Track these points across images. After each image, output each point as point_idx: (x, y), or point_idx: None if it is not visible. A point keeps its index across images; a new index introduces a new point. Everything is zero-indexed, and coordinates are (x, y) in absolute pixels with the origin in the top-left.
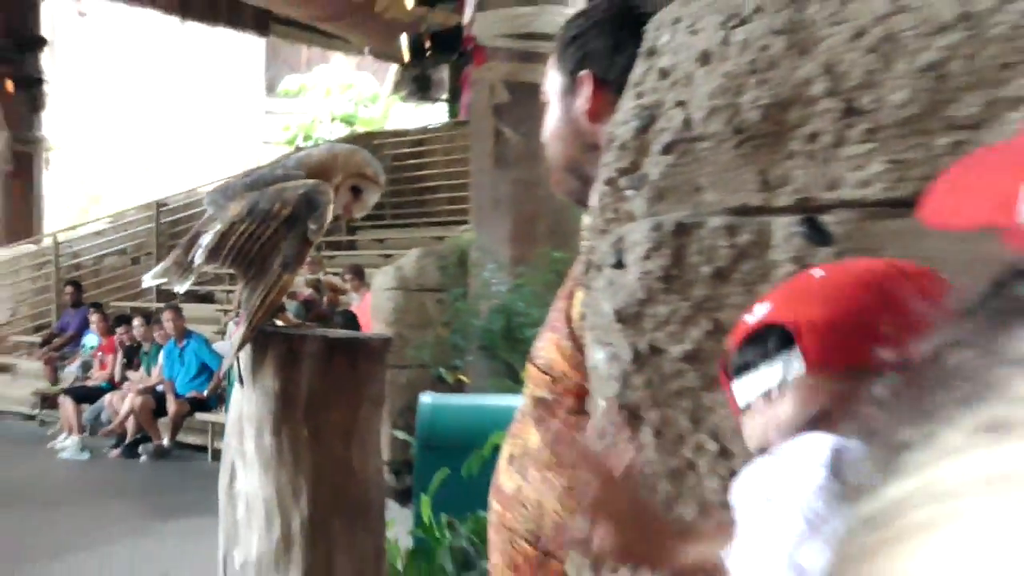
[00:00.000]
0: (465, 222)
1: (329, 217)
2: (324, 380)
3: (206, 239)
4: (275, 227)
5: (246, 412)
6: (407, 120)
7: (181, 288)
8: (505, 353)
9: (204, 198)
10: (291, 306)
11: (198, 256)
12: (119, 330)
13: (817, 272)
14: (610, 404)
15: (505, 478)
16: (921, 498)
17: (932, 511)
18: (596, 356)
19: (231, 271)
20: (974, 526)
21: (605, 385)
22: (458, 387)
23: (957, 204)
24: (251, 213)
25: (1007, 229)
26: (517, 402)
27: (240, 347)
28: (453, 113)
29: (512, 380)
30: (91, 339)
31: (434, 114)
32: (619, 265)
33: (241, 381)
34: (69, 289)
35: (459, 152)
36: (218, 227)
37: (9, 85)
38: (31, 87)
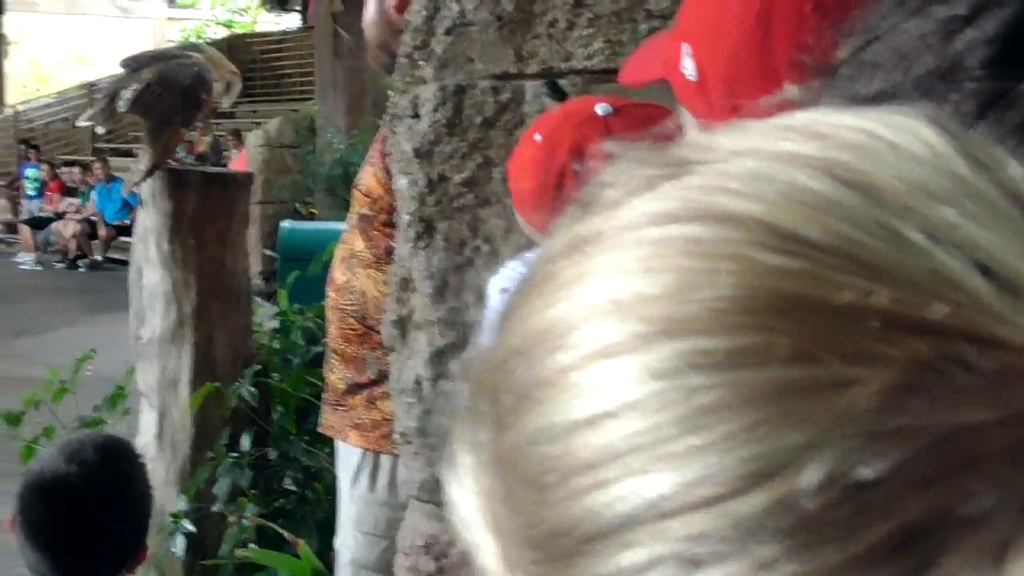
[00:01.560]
0: (312, 99)
1: (214, 92)
2: (205, 202)
3: (126, 94)
4: (177, 92)
5: (149, 226)
6: (271, 25)
7: (104, 128)
8: (344, 193)
9: (120, 62)
10: (187, 158)
11: (122, 105)
12: (63, 170)
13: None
14: (411, 217)
15: (338, 273)
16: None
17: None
18: (400, 183)
19: (137, 122)
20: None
21: (407, 204)
22: (310, 217)
23: (641, 66)
24: (161, 78)
25: (675, 80)
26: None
27: (144, 178)
28: (304, 20)
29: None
30: (31, 171)
31: (289, 21)
32: (415, 116)
33: (141, 203)
34: (25, 148)
35: (308, 48)
36: (135, 86)
37: None
38: None
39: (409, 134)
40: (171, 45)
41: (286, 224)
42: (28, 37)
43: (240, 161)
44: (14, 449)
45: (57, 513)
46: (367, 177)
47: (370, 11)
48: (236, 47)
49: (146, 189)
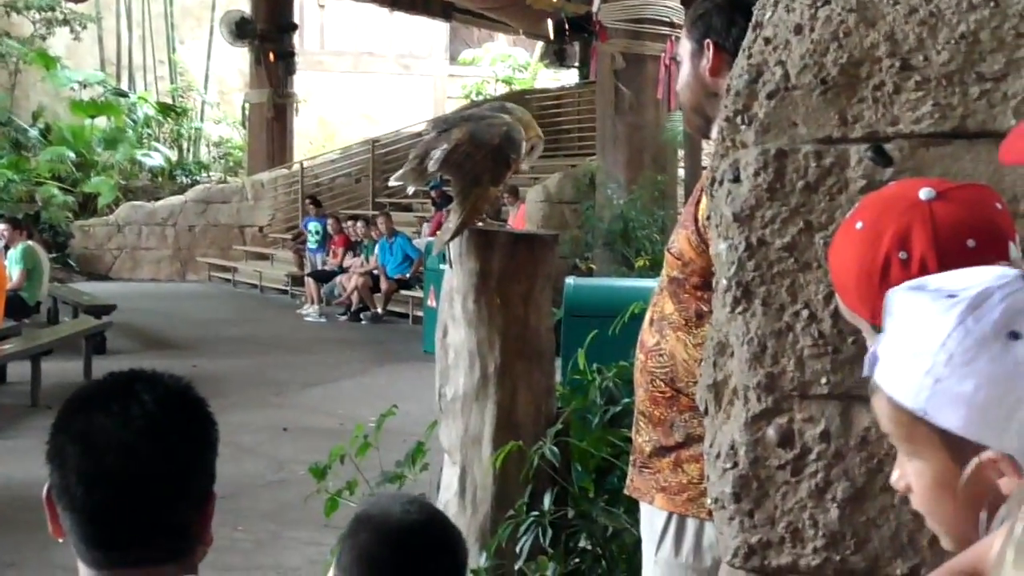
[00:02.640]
0: (592, 154)
1: (523, 151)
2: (511, 262)
3: (436, 153)
4: (485, 152)
5: (455, 285)
6: (550, 81)
7: (413, 188)
8: (622, 248)
9: (426, 125)
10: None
11: (432, 164)
12: (347, 224)
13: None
14: (730, 282)
15: (647, 335)
16: None
17: None
18: (719, 247)
19: (426, 189)
20: None
21: (726, 268)
22: (588, 273)
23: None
24: (472, 138)
25: None
26: (633, 283)
27: (453, 237)
28: (583, 76)
29: (627, 268)
30: (313, 225)
31: (569, 77)
32: (736, 180)
33: (450, 264)
34: (308, 202)
35: (587, 104)
36: (445, 145)
37: (272, 56)
38: (286, 58)
39: (729, 198)
40: (481, 106)
41: (571, 281)
42: (316, 95)
43: (519, 217)
44: (318, 500)
45: (399, 556)
46: (679, 240)
47: (684, 74)
48: (515, 102)
49: (453, 248)
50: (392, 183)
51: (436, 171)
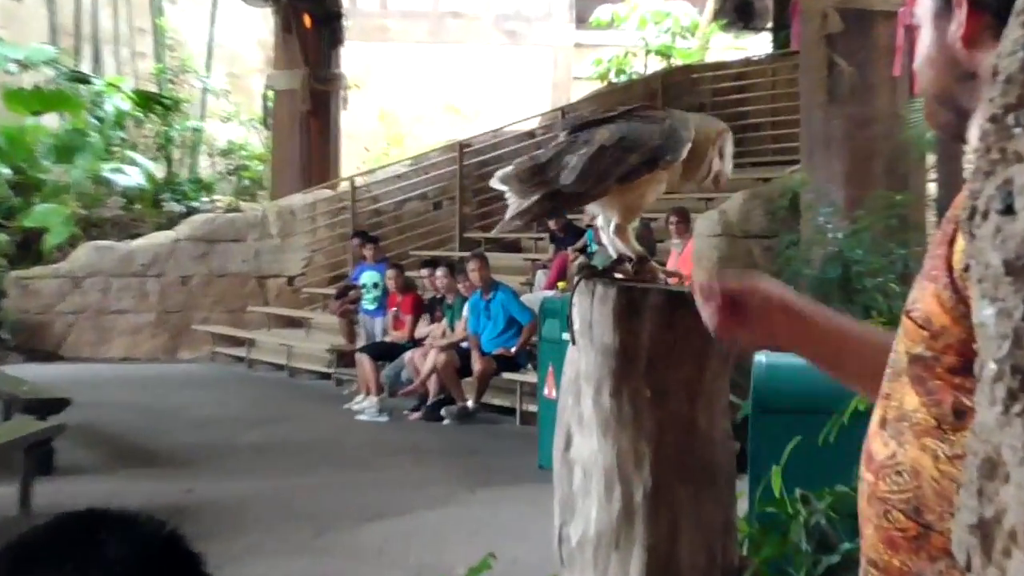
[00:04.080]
0: (794, 162)
1: (683, 155)
2: (667, 335)
3: (572, 159)
4: (642, 155)
5: (583, 370)
6: (727, 52)
7: (516, 208)
8: (842, 305)
9: (557, 124)
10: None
11: (565, 176)
12: (423, 272)
13: None
14: (1000, 367)
15: (877, 444)
16: None
17: None
18: (983, 312)
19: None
20: None
21: (994, 345)
22: None
23: None
24: (622, 140)
25: None
26: None
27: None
28: (779, 44)
29: None
30: (368, 275)
31: (757, 45)
32: (1008, 211)
33: (573, 339)
34: (355, 241)
35: (785, 86)
36: (584, 150)
37: (307, 20)
38: (329, 22)
39: (998, 238)
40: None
41: (762, 359)
42: (376, 78)
43: (684, 257)
44: None
45: None
46: (925, 298)
47: (925, 43)
48: (675, 85)
49: (577, 316)
50: (494, 184)
51: (572, 185)
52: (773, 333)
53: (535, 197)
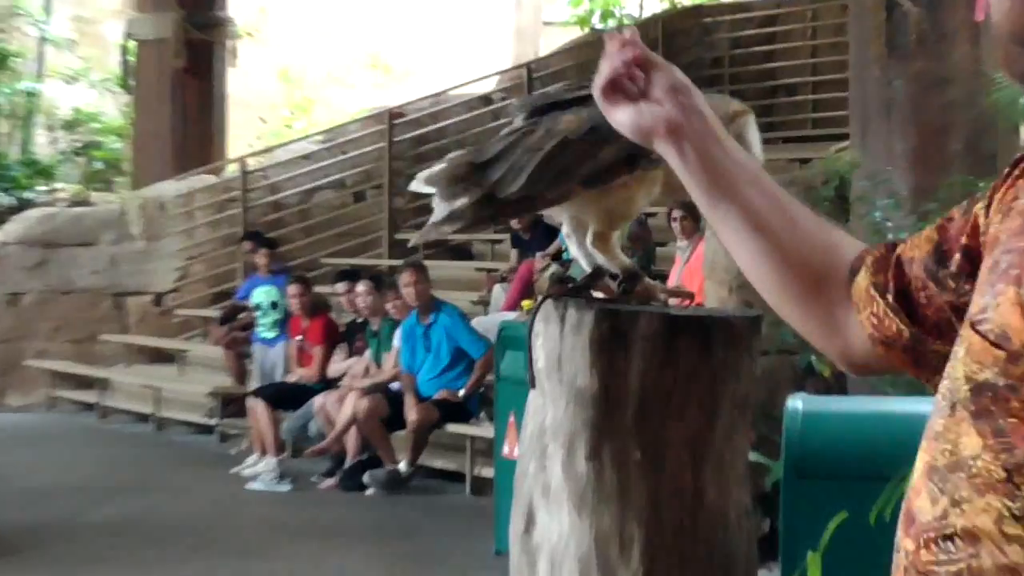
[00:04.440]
0: (841, 137)
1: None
2: (665, 375)
3: (521, 157)
4: (616, 150)
5: (550, 423)
6: None
7: (441, 214)
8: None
9: (512, 105)
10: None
11: (508, 179)
12: (339, 287)
13: None
14: None
15: (922, 501)
16: None
17: None
18: None
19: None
20: None
21: None
22: (838, 382)
23: None
24: (594, 129)
25: None
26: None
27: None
28: None
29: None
30: (263, 291)
31: None
32: None
33: (533, 381)
34: (246, 245)
35: (830, 35)
36: (538, 144)
37: None
38: None
39: None
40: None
41: (796, 403)
42: (275, 24)
43: (691, 266)
44: None
45: None
46: (1001, 306)
47: None
48: (681, 33)
49: (542, 349)
50: (415, 187)
51: (522, 190)
52: (672, 131)
53: (466, 200)
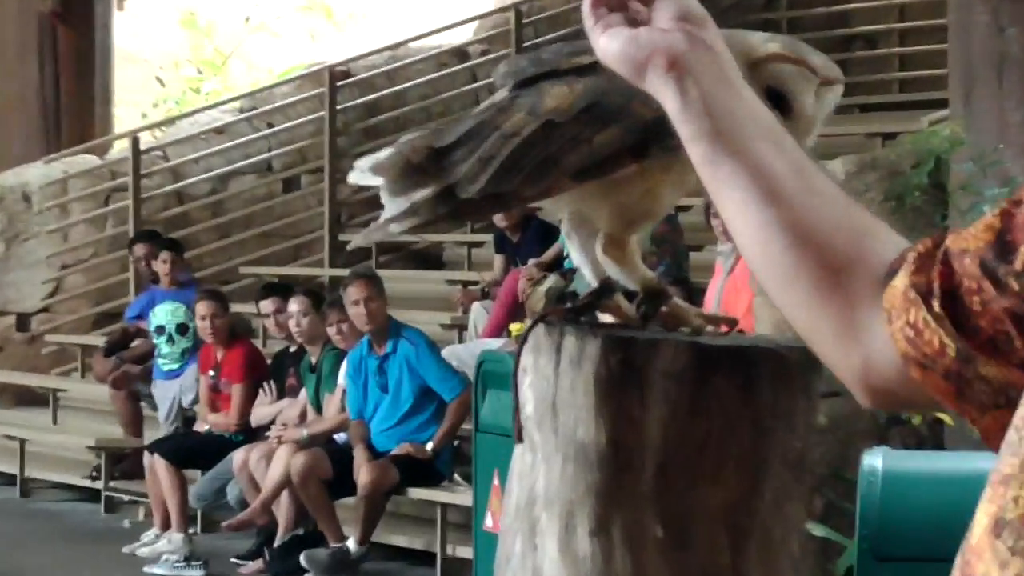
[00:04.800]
0: (937, 104)
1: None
2: (694, 425)
3: (488, 143)
4: (621, 135)
5: (542, 489)
6: None
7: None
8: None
9: (496, 70)
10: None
11: (469, 170)
12: (264, 305)
13: None
14: None
15: (987, 563)
16: None
17: None
18: None
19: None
20: None
21: None
22: (932, 432)
23: None
24: (590, 108)
25: None
26: None
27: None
28: None
29: None
30: (166, 309)
31: None
32: None
33: (519, 434)
34: (140, 249)
35: None
36: (526, 126)
37: None
38: None
39: None
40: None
41: (876, 462)
42: None
43: (735, 280)
44: None
45: None
46: None
47: None
48: None
49: (531, 390)
50: (354, 179)
51: (492, 186)
52: (673, 64)
53: (422, 193)
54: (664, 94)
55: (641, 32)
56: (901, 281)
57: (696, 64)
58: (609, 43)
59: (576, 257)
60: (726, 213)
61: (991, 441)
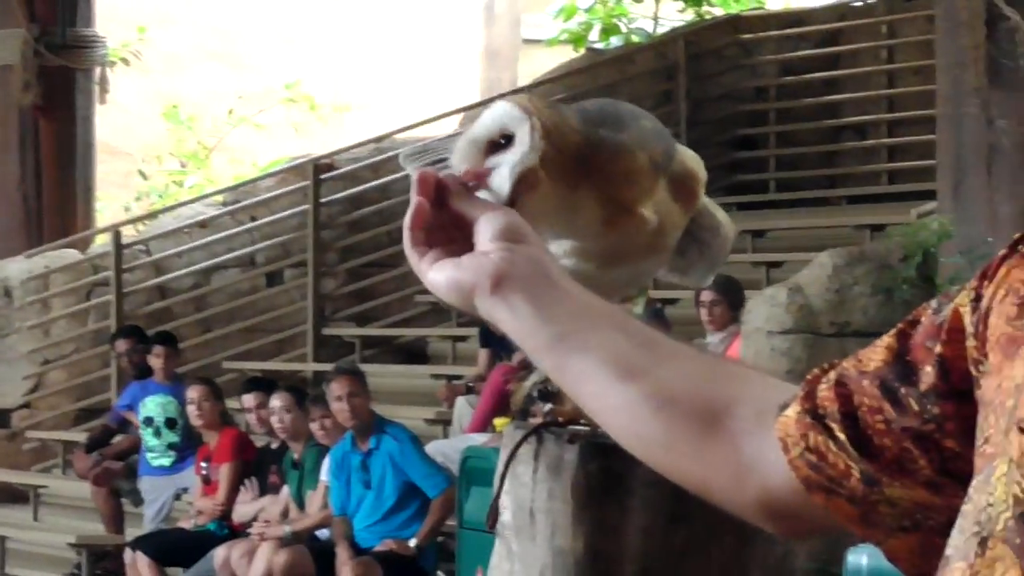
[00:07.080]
0: (925, 195)
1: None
2: (676, 534)
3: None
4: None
5: None
6: None
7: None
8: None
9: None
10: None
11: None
12: (246, 400)
13: None
14: None
15: None
16: None
17: None
18: None
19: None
20: None
21: None
22: None
23: None
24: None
25: None
26: None
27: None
28: None
29: None
30: (156, 402)
31: None
32: None
33: (494, 520)
34: (122, 345)
35: (912, 55)
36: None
37: None
38: None
39: None
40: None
41: (860, 560)
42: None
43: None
44: None
45: None
46: None
47: None
48: (710, 56)
49: (510, 496)
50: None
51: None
52: (498, 284)
53: None
54: (496, 316)
55: (463, 260)
56: (793, 410)
57: (520, 280)
58: (436, 276)
59: None
60: (591, 410)
61: (898, 563)
